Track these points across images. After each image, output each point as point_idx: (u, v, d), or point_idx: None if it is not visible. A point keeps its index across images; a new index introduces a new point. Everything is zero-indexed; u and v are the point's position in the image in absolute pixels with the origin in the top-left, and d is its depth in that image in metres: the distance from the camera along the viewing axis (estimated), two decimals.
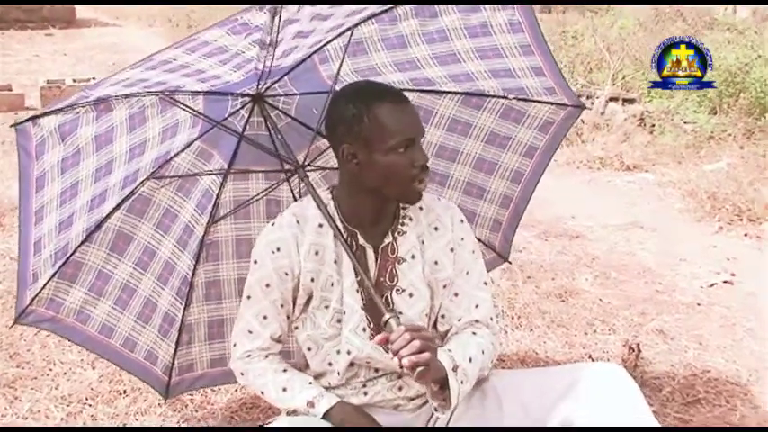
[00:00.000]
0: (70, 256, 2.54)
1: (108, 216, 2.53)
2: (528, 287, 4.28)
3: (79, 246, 2.53)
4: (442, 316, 2.29)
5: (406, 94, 2.36)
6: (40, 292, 2.55)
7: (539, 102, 2.67)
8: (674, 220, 5.67)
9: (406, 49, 2.53)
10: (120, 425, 2.96)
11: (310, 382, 2.19)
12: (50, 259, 2.53)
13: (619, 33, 10.49)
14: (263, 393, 2.23)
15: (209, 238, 2.66)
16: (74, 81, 9.11)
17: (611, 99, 7.93)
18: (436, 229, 2.26)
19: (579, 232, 5.29)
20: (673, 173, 6.66)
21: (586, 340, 3.70)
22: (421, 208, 2.26)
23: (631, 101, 8.07)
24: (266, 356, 2.25)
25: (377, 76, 2.55)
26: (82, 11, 18.33)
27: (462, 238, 2.29)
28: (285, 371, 2.22)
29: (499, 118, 2.71)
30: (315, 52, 2.47)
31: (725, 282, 4.46)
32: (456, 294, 2.27)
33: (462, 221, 2.31)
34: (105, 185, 2.51)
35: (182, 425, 2.97)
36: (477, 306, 2.28)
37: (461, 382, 2.05)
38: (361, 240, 2.19)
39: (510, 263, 3.04)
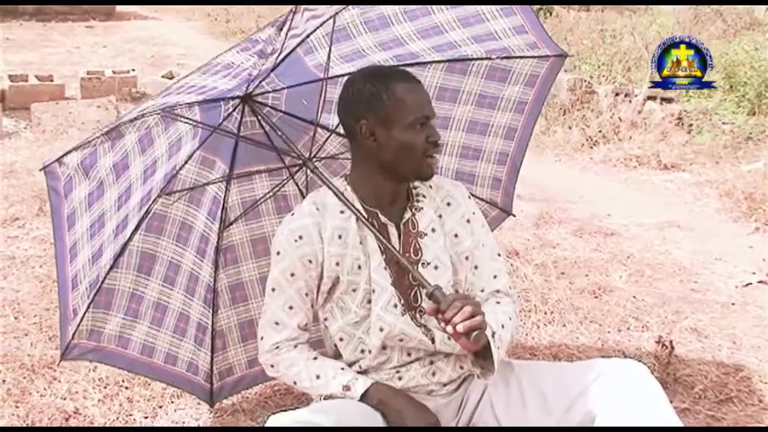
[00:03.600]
0: (101, 284, 2.59)
1: (129, 239, 2.57)
2: (561, 283, 4.27)
3: (108, 273, 2.59)
4: (466, 290, 2.33)
5: None
6: (79, 325, 2.63)
7: (521, 57, 2.69)
8: (710, 220, 5.64)
9: (389, 28, 2.55)
10: (157, 407, 3.01)
11: (342, 368, 2.23)
12: (86, 292, 2.60)
13: (657, 32, 10.42)
14: (295, 383, 2.26)
15: (224, 242, 2.69)
16: (113, 72, 9.21)
17: (649, 98, 7.88)
18: (449, 204, 2.32)
19: (614, 230, 5.27)
20: (710, 172, 6.61)
21: (619, 337, 3.69)
22: (431, 186, 2.32)
23: (669, 100, 8.02)
24: (295, 346, 2.29)
25: (362, 58, 2.57)
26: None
27: (474, 213, 2.35)
28: (316, 359, 2.26)
29: (485, 79, 2.74)
30: (298, 45, 2.45)
31: (760, 282, 4.42)
32: (476, 267, 2.33)
33: (470, 197, 2.38)
34: (126, 210, 2.56)
35: (215, 410, 3.01)
36: (495, 277, 2.35)
37: (498, 348, 2.09)
38: (383, 219, 2.23)
39: (514, 216, 3.06)
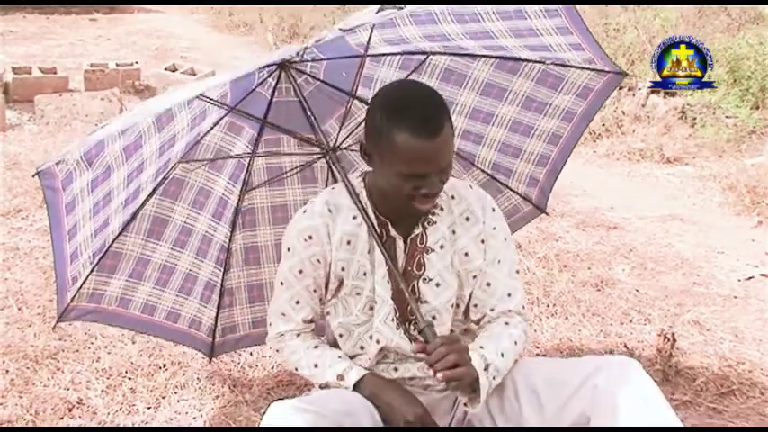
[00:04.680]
0: (108, 248, 2.57)
1: (142, 205, 2.56)
2: (564, 276, 4.27)
3: (116, 237, 2.57)
4: (475, 305, 2.32)
5: (437, 57, 2.44)
6: (80, 288, 2.60)
7: (578, 68, 2.62)
8: (713, 214, 5.63)
9: (436, 26, 2.47)
10: (160, 398, 3.02)
11: (340, 356, 2.25)
12: (89, 260, 2.58)
13: (661, 26, 10.39)
14: (296, 370, 2.30)
15: (245, 204, 2.69)
16: (117, 65, 9.19)
17: (653, 91, 7.87)
18: (467, 219, 2.27)
19: (617, 223, 5.27)
20: (713, 166, 6.60)
21: (622, 329, 3.70)
22: (453, 197, 2.27)
23: (673, 94, 7.98)
24: (298, 335, 2.32)
25: (406, 44, 2.53)
26: None
27: (494, 228, 2.29)
28: (317, 347, 2.29)
29: (535, 84, 2.67)
30: (345, 32, 2.35)
31: (762, 275, 4.42)
32: (488, 284, 2.29)
33: (494, 210, 2.31)
34: (138, 183, 2.55)
35: (218, 400, 3.02)
36: (509, 295, 2.30)
37: (493, 378, 2.10)
38: (393, 232, 2.21)
39: (547, 214, 3.04)
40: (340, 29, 2.22)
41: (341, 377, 2.19)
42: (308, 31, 11.32)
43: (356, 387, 2.17)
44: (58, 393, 3.03)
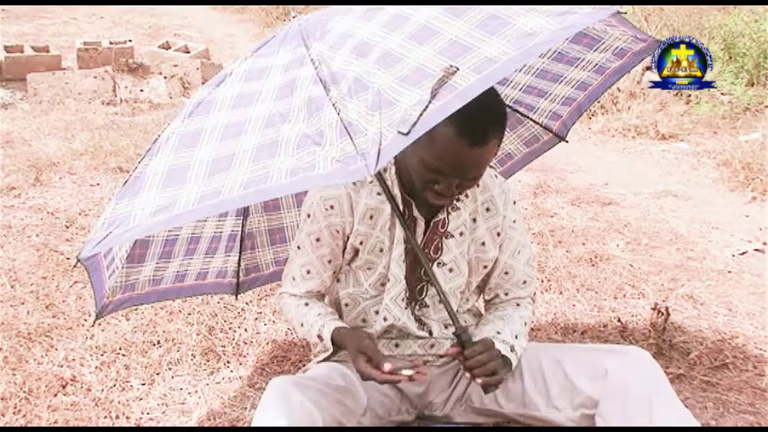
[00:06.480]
0: (136, 240, 2.54)
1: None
2: (558, 252, 4.27)
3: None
4: (490, 288, 2.39)
5: None
6: (113, 285, 2.58)
7: (617, 32, 2.57)
8: (707, 189, 5.63)
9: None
10: (154, 374, 3.01)
11: (319, 314, 2.25)
12: (120, 261, 2.55)
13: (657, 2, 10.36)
14: (293, 328, 2.34)
15: None
16: (110, 43, 9.16)
17: (648, 68, 7.85)
18: (488, 209, 2.29)
19: (612, 199, 5.27)
20: (708, 143, 6.60)
21: (616, 304, 3.69)
22: (478, 185, 2.26)
23: None
24: (294, 295, 2.34)
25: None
26: None
27: (515, 221, 2.32)
28: (306, 304, 2.30)
29: (569, 42, 2.63)
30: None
31: (756, 250, 4.42)
32: (506, 273, 2.35)
33: (515, 203, 2.34)
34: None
35: (213, 376, 3.01)
36: (525, 282, 2.37)
37: (517, 356, 2.19)
38: (415, 212, 2.20)
39: (567, 141, 2.99)
40: (400, 132, 1.67)
41: (320, 337, 2.20)
42: (303, 8, 11.24)
43: (334, 344, 2.19)
44: (51, 370, 3.02)
